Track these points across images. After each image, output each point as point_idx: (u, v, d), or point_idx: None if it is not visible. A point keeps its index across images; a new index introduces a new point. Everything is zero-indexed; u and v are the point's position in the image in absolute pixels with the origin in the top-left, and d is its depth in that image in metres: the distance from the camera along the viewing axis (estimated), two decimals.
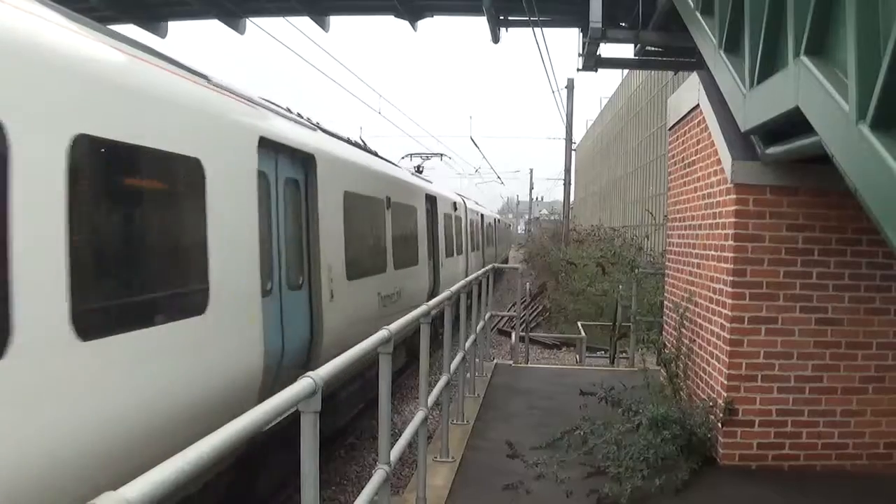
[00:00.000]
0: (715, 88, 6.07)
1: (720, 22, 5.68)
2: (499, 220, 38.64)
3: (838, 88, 3.35)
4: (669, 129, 8.01)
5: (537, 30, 11.77)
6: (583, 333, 13.42)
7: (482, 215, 26.55)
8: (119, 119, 3.99)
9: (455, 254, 17.54)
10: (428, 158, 18.98)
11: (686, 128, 7.16)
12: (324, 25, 12.73)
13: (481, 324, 8.78)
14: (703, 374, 6.25)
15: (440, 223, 15.13)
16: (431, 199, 14.36)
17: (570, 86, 28.49)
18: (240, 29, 12.70)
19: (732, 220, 5.58)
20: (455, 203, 17.91)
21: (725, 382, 5.62)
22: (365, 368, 7.55)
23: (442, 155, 20.44)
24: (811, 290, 5.54)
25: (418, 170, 17.16)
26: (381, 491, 3.55)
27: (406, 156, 18.26)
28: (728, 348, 5.60)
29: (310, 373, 2.55)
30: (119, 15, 11.97)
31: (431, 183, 15.92)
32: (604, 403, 6.22)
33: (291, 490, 6.63)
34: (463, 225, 19.32)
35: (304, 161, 6.89)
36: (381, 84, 28.91)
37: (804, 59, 3.79)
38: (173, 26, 12.97)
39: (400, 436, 4.25)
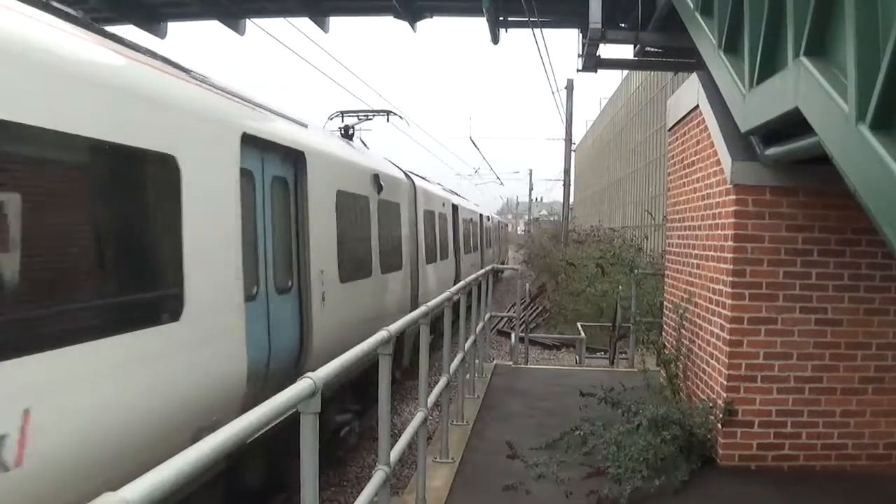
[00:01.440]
0: (714, 89, 6.07)
1: (719, 22, 5.68)
2: (489, 218, 30.85)
3: (838, 89, 3.36)
4: (669, 130, 8.01)
5: (537, 31, 11.78)
6: (582, 334, 13.42)
7: (455, 206, 18.05)
8: None
9: (383, 270, 9.60)
10: (368, 118, 11.57)
11: (685, 128, 7.16)
12: (323, 26, 12.74)
13: (481, 325, 8.78)
14: (702, 375, 6.25)
15: (338, 212, 7.63)
16: (293, 156, 6.65)
17: (570, 86, 28.51)
18: (239, 30, 12.71)
19: (732, 220, 5.58)
20: (376, 175, 9.49)
21: (725, 383, 5.62)
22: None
23: (389, 113, 12.32)
24: (811, 290, 5.54)
25: (347, 133, 10.29)
26: (381, 492, 3.55)
27: (335, 114, 11.38)
28: (728, 349, 5.60)
29: (309, 373, 2.55)
30: (119, 16, 11.98)
31: (336, 137, 9.48)
32: (603, 404, 6.22)
33: (291, 491, 6.63)
34: (408, 219, 11.64)
35: None
36: (380, 84, 28.92)
37: (804, 59, 3.79)
38: (172, 27, 12.98)
39: (399, 437, 4.25)
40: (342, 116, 11.32)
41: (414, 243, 12.04)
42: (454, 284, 7.94)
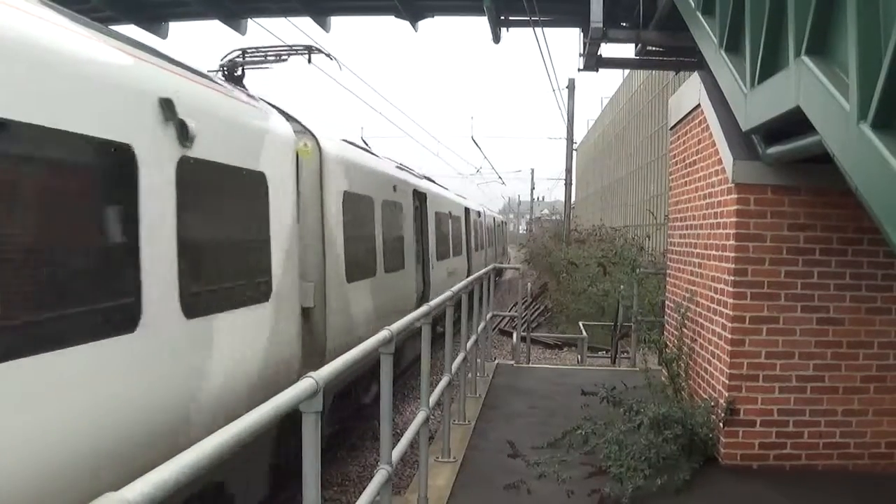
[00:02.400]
0: (716, 88, 6.07)
1: (721, 21, 5.68)
2: (481, 213, 25.45)
3: (839, 88, 3.35)
4: (670, 129, 8.01)
5: (538, 30, 11.78)
6: (584, 333, 13.41)
7: (420, 194, 12.66)
8: None
9: (200, 310, 4.54)
10: (281, 58, 8.12)
11: (687, 128, 7.16)
12: (325, 26, 12.74)
13: (483, 324, 8.78)
14: (704, 374, 6.25)
15: None
16: None
17: (571, 86, 28.52)
18: (241, 30, 12.71)
19: (734, 219, 5.58)
20: (168, 104, 4.24)
21: (727, 382, 5.62)
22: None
23: (311, 50, 8.28)
24: (812, 289, 5.54)
25: (231, 75, 7.26)
26: (383, 491, 3.55)
27: (234, 52, 7.89)
28: (729, 348, 5.60)
29: (311, 373, 2.56)
30: (120, 16, 11.99)
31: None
32: (605, 403, 6.22)
33: (293, 490, 6.64)
34: (290, 207, 6.20)
35: None
36: (381, 84, 28.83)
37: (805, 58, 3.79)
38: (174, 27, 13.00)
39: (401, 436, 4.26)
40: (243, 55, 7.86)
41: (316, 250, 6.89)
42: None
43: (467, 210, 20.31)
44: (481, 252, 23.25)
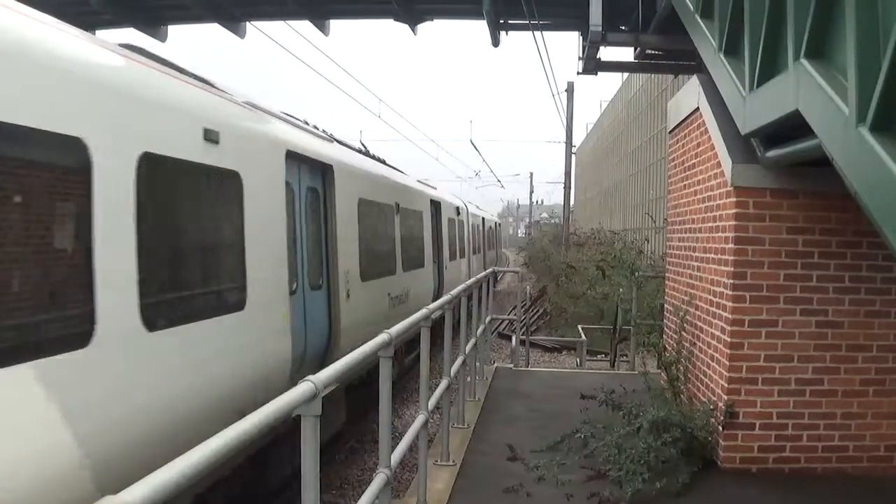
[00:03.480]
0: (715, 91, 6.07)
1: (720, 25, 5.69)
2: (463, 210, 19.73)
3: (838, 91, 3.36)
4: (669, 133, 8.01)
5: (537, 33, 11.80)
6: (583, 337, 13.40)
7: (320, 165, 7.40)
8: None
9: None
10: None
11: (686, 131, 7.16)
12: (324, 29, 12.76)
13: (482, 327, 8.77)
14: (703, 378, 6.25)
15: None
16: None
17: (570, 89, 28.58)
18: (240, 33, 12.72)
19: (732, 223, 5.58)
20: None
21: (726, 385, 5.62)
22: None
23: None
24: (811, 292, 5.54)
25: None
26: (382, 494, 3.55)
27: None
28: (728, 351, 5.60)
29: (310, 377, 2.55)
30: (119, 18, 12.00)
31: None
32: (604, 407, 6.22)
33: (292, 493, 6.63)
34: None
35: None
36: (380, 88, 28.78)
37: (804, 61, 3.80)
38: (173, 30, 13.00)
39: (400, 439, 4.25)
40: None
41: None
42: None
43: (436, 203, 14.70)
44: (461, 262, 17.56)
